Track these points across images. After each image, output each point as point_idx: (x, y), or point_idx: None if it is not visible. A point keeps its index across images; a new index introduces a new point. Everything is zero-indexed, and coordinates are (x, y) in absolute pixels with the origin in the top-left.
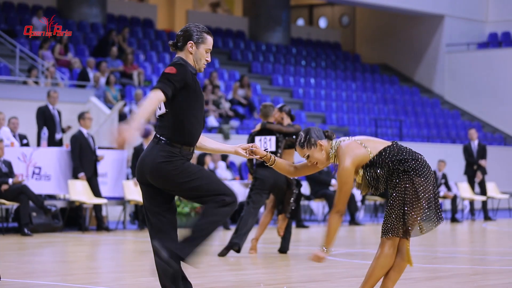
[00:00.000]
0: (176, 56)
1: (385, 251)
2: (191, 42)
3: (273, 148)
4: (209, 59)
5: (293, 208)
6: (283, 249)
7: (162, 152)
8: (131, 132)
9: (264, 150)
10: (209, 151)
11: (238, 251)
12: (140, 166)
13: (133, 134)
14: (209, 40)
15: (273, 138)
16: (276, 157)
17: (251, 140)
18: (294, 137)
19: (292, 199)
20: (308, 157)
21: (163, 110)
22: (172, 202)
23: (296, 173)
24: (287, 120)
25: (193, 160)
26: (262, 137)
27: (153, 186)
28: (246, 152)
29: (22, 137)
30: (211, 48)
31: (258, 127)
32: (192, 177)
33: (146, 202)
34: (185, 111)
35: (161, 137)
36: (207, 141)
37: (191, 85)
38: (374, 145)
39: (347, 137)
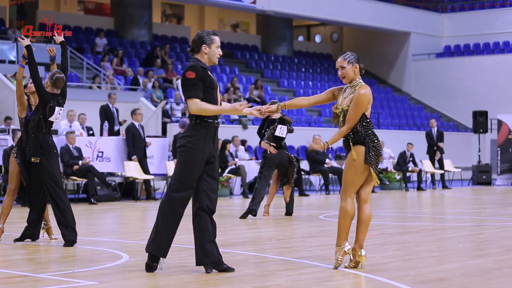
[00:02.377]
0: (192, 57)
1: (341, 204)
2: (205, 45)
3: (285, 135)
4: (221, 53)
5: (295, 177)
6: (289, 212)
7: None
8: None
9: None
10: (228, 113)
11: (255, 215)
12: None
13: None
14: (217, 39)
15: (285, 127)
16: (284, 102)
17: (268, 123)
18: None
19: (295, 171)
20: (343, 68)
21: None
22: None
23: (309, 104)
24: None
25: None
26: (282, 126)
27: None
28: (261, 113)
29: (89, 129)
30: (219, 44)
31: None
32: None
33: None
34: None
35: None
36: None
37: (204, 78)
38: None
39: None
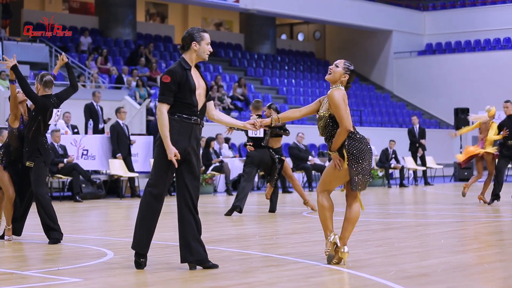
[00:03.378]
0: (181, 57)
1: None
2: (195, 42)
3: (261, 135)
4: (211, 49)
5: (276, 179)
6: (272, 209)
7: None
8: (173, 154)
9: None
10: (224, 124)
11: (240, 211)
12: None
13: (174, 154)
14: (207, 36)
15: (262, 129)
16: (278, 116)
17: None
18: (279, 129)
19: (276, 172)
20: (336, 67)
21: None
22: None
23: (300, 115)
24: (274, 115)
25: (202, 143)
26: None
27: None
28: (255, 127)
29: (73, 127)
30: (209, 41)
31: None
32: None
33: None
34: (179, 99)
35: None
36: (224, 116)
37: (182, 82)
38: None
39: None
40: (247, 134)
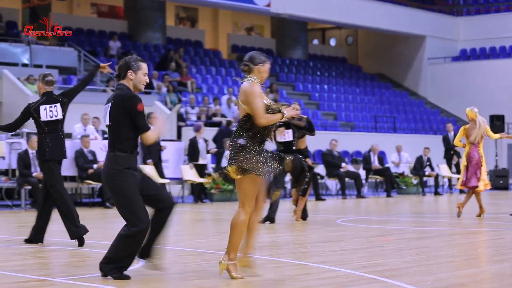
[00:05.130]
0: (119, 83)
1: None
2: (131, 71)
3: (291, 139)
4: (147, 80)
5: (304, 187)
6: (269, 218)
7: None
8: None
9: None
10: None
11: (272, 221)
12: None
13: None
14: (144, 66)
15: (291, 133)
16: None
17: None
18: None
19: (305, 181)
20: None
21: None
22: None
23: None
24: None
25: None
26: (287, 130)
27: None
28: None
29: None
30: (146, 72)
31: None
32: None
33: None
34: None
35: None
36: None
37: None
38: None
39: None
40: (275, 139)
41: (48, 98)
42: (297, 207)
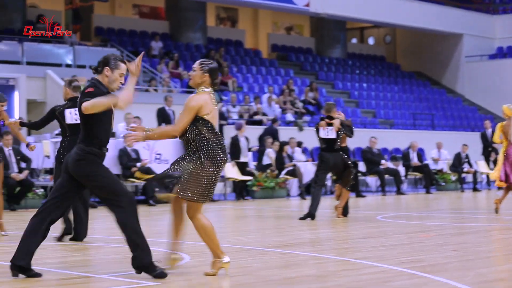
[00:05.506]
0: (93, 77)
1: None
2: (108, 67)
3: (334, 136)
4: (122, 81)
5: (352, 183)
6: (309, 214)
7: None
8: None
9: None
10: None
11: (313, 219)
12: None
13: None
14: (123, 67)
15: (334, 130)
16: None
17: (317, 128)
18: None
19: (352, 176)
20: (193, 71)
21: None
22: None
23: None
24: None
25: (275, 147)
26: (328, 127)
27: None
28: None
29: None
30: (124, 73)
31: (323, 123)
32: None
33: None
34: (95, 122)
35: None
36: None
37: (105, 94)
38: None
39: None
40: (318, 135)
41: (74, 103)
42: (338, 204)
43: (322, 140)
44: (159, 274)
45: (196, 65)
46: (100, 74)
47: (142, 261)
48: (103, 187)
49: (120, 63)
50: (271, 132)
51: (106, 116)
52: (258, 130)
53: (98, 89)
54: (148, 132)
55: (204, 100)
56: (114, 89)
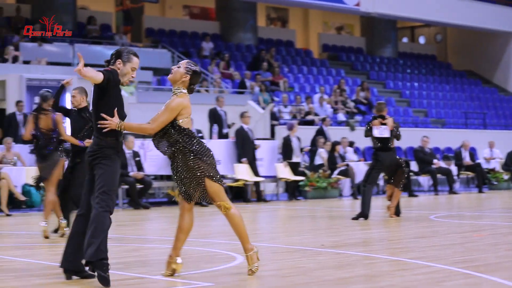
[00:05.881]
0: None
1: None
2: (120, 60)
3: (388, 135)
4: (134, 75)
5: (404, 182)
6: (362, 214)
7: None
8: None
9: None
10: None
11: (366, 218)
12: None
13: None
14: (135, 60)
15: (388, 130)
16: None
17: (369, 128)
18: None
19: (404, 176)
20: (178, 67)
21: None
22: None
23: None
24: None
25: (327, 147)
26: (382, 126)
27: None
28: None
29: (197, 132)
30: (136, 67)
31: (376, 122)
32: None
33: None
34: (110, 108)
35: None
36: None
37: (119, 85)
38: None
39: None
40: (371, 134)
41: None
42: (390, 204)
43: (377, 140)
44: (90, 276)
45: (183, 62)
46: (112, 66)
47: (90, 256)
48: (105, 180)
49: (133, 57)
50: (320, 132)
51: (116, 102)
52: (310, 130)
53: (113, 74)
54: (120, 123)
55: (186, 104)
56: (125, 82)
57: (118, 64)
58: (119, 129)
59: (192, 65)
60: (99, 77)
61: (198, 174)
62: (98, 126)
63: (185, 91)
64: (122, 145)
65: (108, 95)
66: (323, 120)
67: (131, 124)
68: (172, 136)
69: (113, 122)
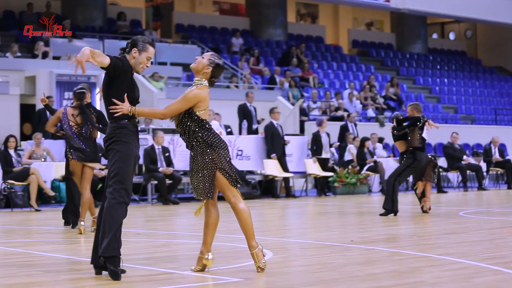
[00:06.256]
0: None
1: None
2: (135, 49)
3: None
4: (149, 65)
5: (435, 176)
6: (392, 210)
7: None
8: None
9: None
10: None
11: (395, 214)
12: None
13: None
14: (151, 50)
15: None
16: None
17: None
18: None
19: (435, 169)
20: (202, 58)
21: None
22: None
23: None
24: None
25: (356, 143)
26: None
27: None
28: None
29: (227, 127)
30: (151, 56)
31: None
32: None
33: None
34: (120, 95)
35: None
36: None
37: (129, 72)
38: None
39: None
40: (421, 135)
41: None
42: (425, 198)
43: (420, 139)
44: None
45: (207, 54)
46: (128, 54)
47: (102, 251)
48: (118, 167)
49: (149, 46)
50: (345, 128)
51: (128, 89)
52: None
53: (121, 61)
54: (132, 108)
55: (204, 96)
56: (139, 71)
57: (133, 53)
58: (130, 114)
59: (216, 57)
60: (106, 60)
61: (211, 165)
62: (110, 111)
63: (206, 82)
64: (137, 127)
65: (117, 82)
66: (348, 116)
67: (143, 109)
68: (191, 128)
69: (124, 106)
